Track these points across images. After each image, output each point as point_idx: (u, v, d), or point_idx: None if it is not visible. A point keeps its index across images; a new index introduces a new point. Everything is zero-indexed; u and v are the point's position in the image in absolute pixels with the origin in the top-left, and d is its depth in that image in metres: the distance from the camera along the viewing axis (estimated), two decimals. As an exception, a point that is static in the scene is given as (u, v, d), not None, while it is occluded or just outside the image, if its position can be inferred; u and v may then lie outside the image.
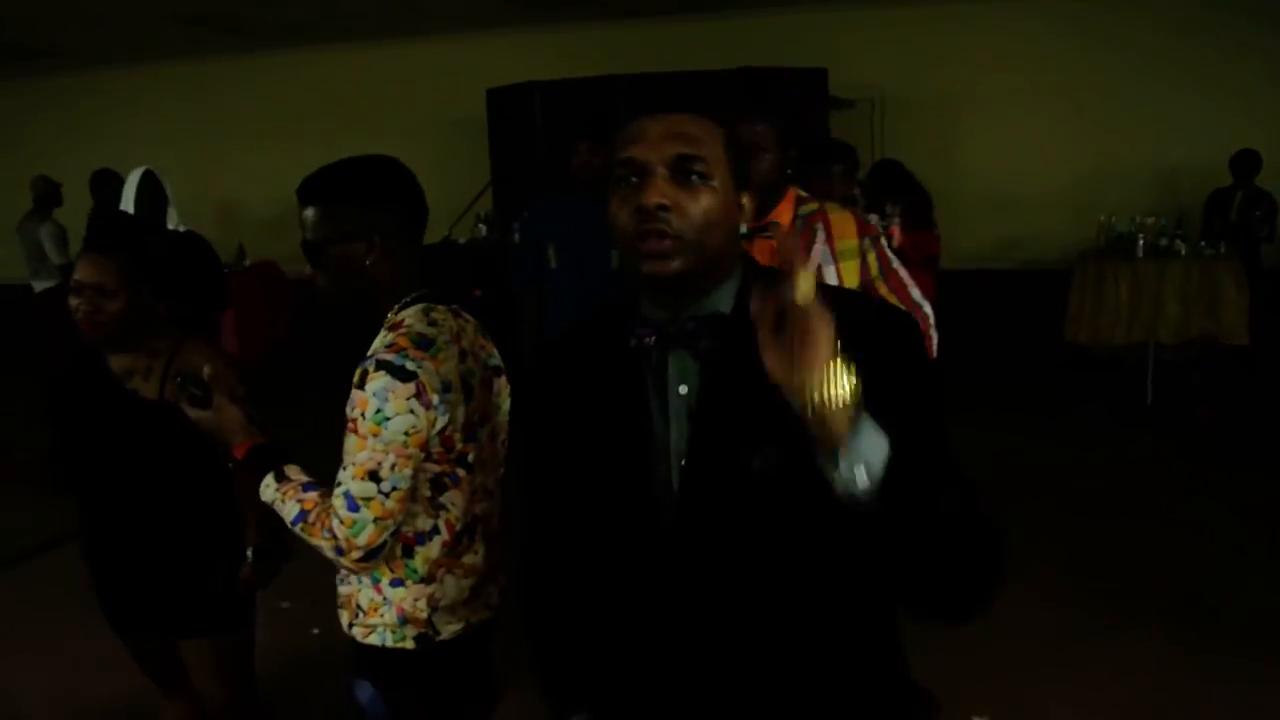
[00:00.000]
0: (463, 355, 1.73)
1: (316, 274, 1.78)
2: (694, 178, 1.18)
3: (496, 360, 1.88)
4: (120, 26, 7.91)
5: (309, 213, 1.75)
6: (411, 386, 1.60)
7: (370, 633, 1.78)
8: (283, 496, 1.71)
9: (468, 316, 1.86)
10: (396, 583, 1.74)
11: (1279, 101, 7.63)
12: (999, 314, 7.37)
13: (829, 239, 2.39)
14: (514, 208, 6.16)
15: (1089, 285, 6.55)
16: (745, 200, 1.24)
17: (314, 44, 8.74)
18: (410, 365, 1.61)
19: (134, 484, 2.28)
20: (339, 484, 1.63)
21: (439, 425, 1.66)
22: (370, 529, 1.62)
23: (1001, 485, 4.84)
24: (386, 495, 1.63)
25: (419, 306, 1.75)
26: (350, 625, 1.81)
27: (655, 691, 1.30)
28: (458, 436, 1.71)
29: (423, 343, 1.66)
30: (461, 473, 1.75)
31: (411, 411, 1.61)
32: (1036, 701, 3.18)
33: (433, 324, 1.71)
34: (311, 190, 1.76)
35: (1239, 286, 6.27)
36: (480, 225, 7.41)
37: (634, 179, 1.19)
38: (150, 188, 4.97)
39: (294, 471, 1.77)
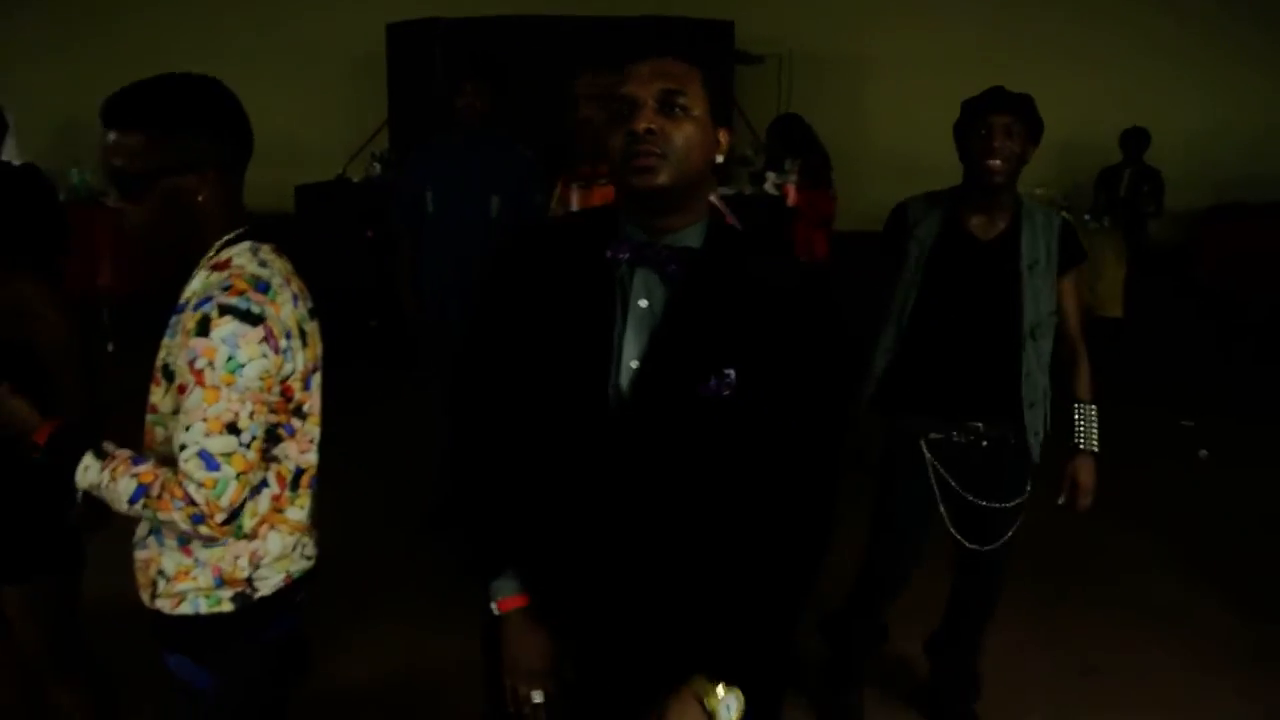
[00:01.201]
0: (294, 299, 1.65)
1: (131, 209, 1.59)
2: (677, 110, 1.39)
3: (312, 304, 1.78)
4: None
5: (131, 139, 1.55)
6: (260, 330, 1.51)
7: (180, 601, 1.64)
8: (112, 474, 1.54)
9: (286, 257, 1.74)
10: (212, 542, 1.60)
11: (1169, 80, 7.82)
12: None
13: None
14: (410, 147, 6.02)
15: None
16: (722, 135, 1.46)
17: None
18: (255, 309, 1.51)
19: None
20: (184, 445, 1.49)
21: (284, 372, 1.58)
22: (233, 485, 1.51)
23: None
24: (247, 447, 1.52)
25: (245, 245, 1.63)
26: (154, 596, 1.66)
27: (572, 567, 1.49)
28: (297, 385, 1.64)
29: (260, 285, 1.55)
30: (297, 423, 1.67)
31: (264, 355, 1.52)
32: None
33: (263, 264, 1.61)
34: (135, 112, 1.55)
35: (1117, 260, 6.47)
36: (375, 164, 7.21)
37: (626, 111, 1.40)
38: None
39: (112, 446, 1.60)
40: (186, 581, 1.63)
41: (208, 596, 1.63)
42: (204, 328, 1.49)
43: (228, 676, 1.69)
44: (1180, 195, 7.30)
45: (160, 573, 1.64)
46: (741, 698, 1.45)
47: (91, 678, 2.41)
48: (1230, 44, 7.79)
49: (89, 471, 1.56)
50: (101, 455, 1.57)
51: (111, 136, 1.57)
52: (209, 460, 1.49)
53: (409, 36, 7.16)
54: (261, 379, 1.53)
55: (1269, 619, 3.57)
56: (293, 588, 1.71)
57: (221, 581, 1.63)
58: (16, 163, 3.49)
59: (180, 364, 1.52)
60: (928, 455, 2.59)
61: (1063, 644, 3.41)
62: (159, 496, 1.50)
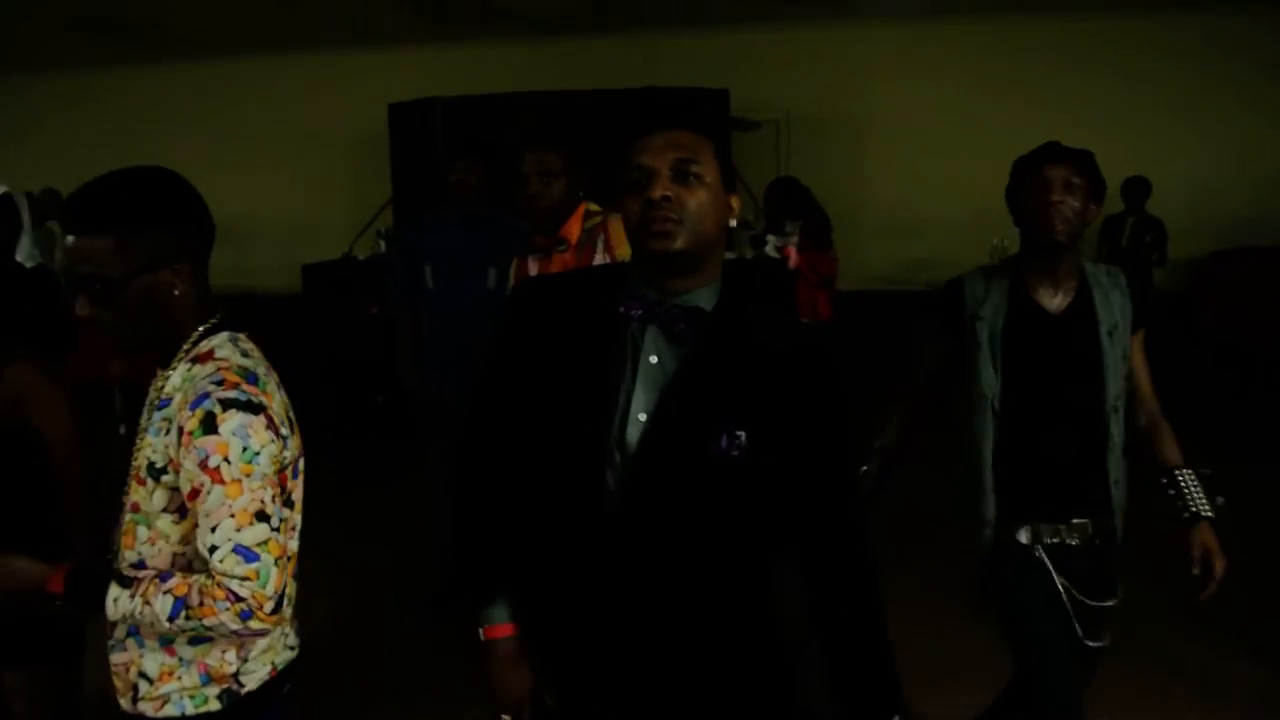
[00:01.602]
0: (278, 388, 1.64)
1: (104, 314, 1.54)
2: (691, 178, 1.45)
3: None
4: (4, 30, 7.67)
5: (98, 243, 1.50)
6: (263, 417, 1.51)
7: (164, 704, 1.58)
8: (144, 599, 1.47)
9: (258, 344, 1.71)
10: (198, 639, 1.56)
11: (1169, 129, 7.86)
12: (900, 335, 7.45)
13: (608, 247, 2.54)
14: (414, 222, 6.08)
15: (981, 306, 6.64)
16: (733, 201, 1.53)
17: (213, 55, 8.53)
18: (254, 399, 1.50)
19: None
20: (215, 546, 1.45)
21: (283, 459, 1.57)
22: (274, 572, 1.47)
23: (891, 508, 4.95)
24: (277, 530, 1.50)
25: (224, 335, 1.61)
26: (135, 700, 1.60)
27: (575, 625, 1.51)
28: (288, 473, 1.62)
29: (249, 376, 1.54)
30: (286, 511, 1.64)
31: (272, 441, 1.51)
32: None
33: (245, 355, 1.60)
34: (98, 216, 1.50)
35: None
36: (380, 241, 7.31)
37: (643, 180, 1.45)
38: (4, 212, 4.73)
39: (130, 570, 1.56)
40: (171, 682, 1.58)
41: (193, 696, 1.58)
42: (210, 425, 1.46)
43: None
44: (1183, 243, 7.30)
45: (142, 674, 1.59)
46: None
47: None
48: (1229, 90, 7.84)
49: (119, 603, 1.49)
50: (126, 581, 1.51)
51: (76, 241, 1.52)
52: (246, 553, 1.46)
53: (410, 116, 7.29)
54: (272, 464, 1.52)
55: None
56: (278, 680, 1.66)
57: (208, 679, 1.59)
58: (28, 239, 3.52)
59: (187, 466, 1.48)
60: (1048, 563, 2.35)
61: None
62: (200, 604, 1.45)
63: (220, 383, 1.49)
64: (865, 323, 6.69)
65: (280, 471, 1.55)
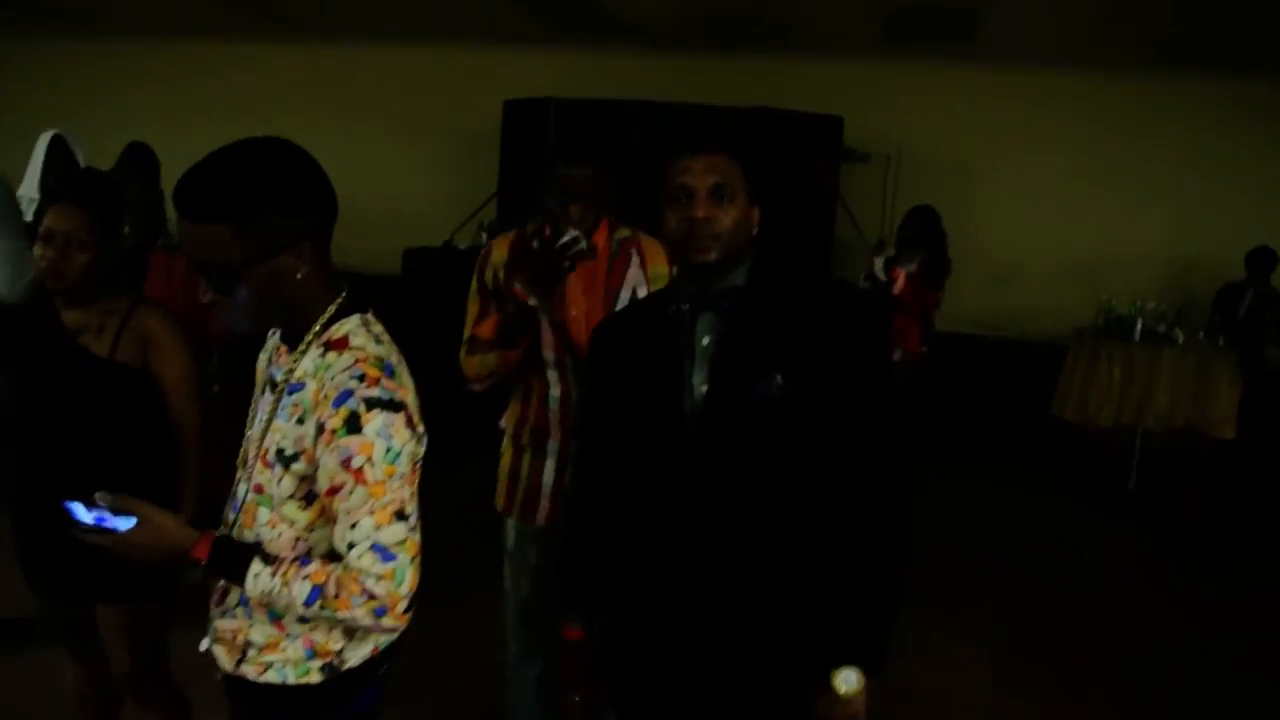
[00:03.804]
0: (408, 371, 1.61)
1: (224, 299, 1.49)
2: (725, 199, 1.70)
3: None
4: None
5: (216, 231, 1.42)
6: (403, 415, 1.49)
7: (266, 670, 1.60)
8: (283, 579, 1.48)
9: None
10: (306, 618, 1.56)
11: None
12: (991, 383, 7.33)
13: (642, 263, 2.60)
14: (518, 218, 6.14)
15: (1082, 362, 6.52)
16: (755, 212, 1.77)
17: (343, 38, 8.73)
18: (396, 397, 1.48)
19: (73, 441, 2.24)
20: (354, 543, 1.45)
21: (419, 454, 1.56)
22: (410, 572, 1.47)
23: (966, 560, 4.88)
24: (414, 529, 1.50)
25: (355, 319, 1.57)
26: (238, 663, 1.62)
27: (664, 572, 1.73)
28: (419, 464, 1.61)
29: (387, 368, 1.50)
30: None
31: (411, 439, 1.50)
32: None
33: (379, 341, 1.55)
34: (211, 202, 1.42)
35: (1232, 382, 6.23)
36: (481, 233, 7.40)
37: (684, 198, 1.69)
38: (59, 152, 4.89)
39: (278, 552, 1.55)
40: (275, 653, 1.59)
41: (296, 667, 1.59)
42: (354, 425, 1.44)
43: None
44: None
45: (249, 643, 1.61)
46: (860, 672, 1.65)
47: (172, 704, 2.43)
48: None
49: (259, 579, 1.49)
50: (266, 559, 1.51)
51: (192, 229, 1.45)
52: (384, 552, 1.45)
53: (524, 114, 7.37)
54: (410, 462, 1.51)
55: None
56: (378, 659, 1.66)
57: (313, 653, 1.59)
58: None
59: (328, 464, 1.46)
60: None
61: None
62: (336, 596, 1.46)
63: (362, 378, 1.46)
64: (953, 365, 6.58)
65: (414, 467, 1.55)
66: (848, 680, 1.64)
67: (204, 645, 1.69)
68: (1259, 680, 3.94)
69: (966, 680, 3.71)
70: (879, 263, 6.14)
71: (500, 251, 2.62)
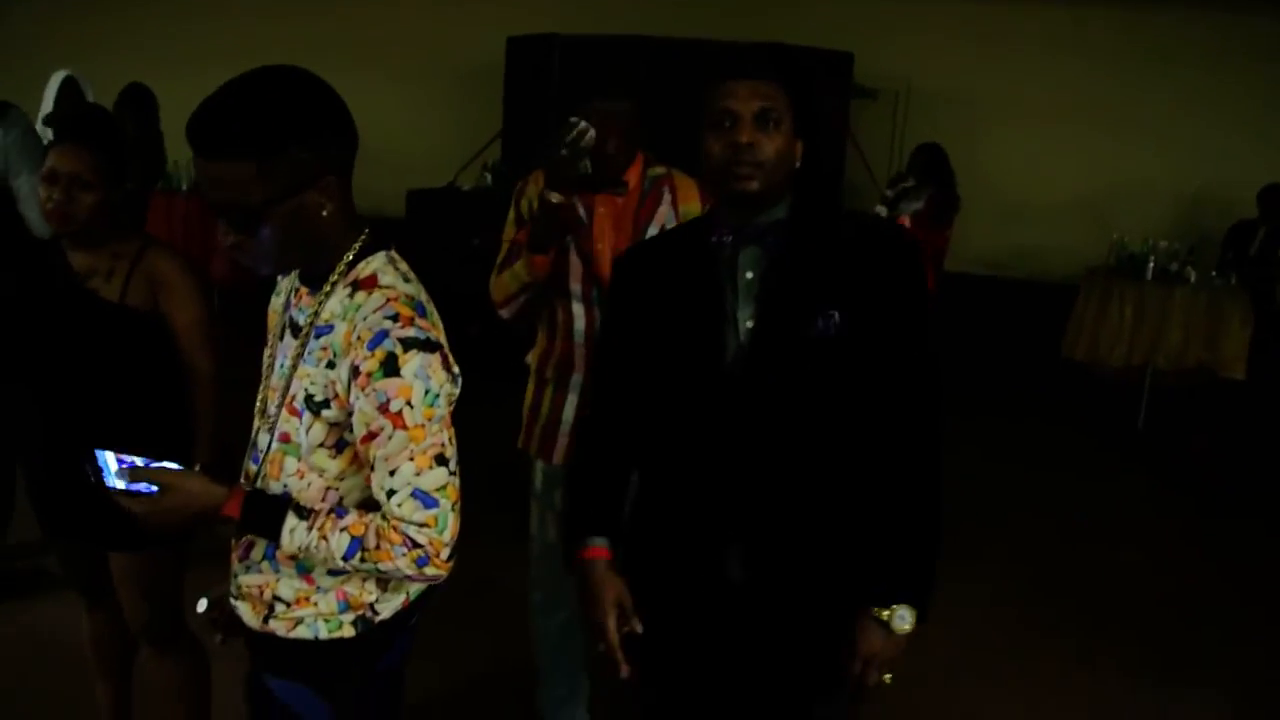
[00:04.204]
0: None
1: (249, 241, 1.41)
2: (770, 124, 1.59)
3: None
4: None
5: (237, 170, 1.34)
6: (439, 355, 1.42)
7: (296, 625, 1.53)
8: (320, 533, 1.42)
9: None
10: (337, 570, 1.51)
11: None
12: (1001, 322, 7.29)
13: (674, 201, 2.55)
14: (523, 159, 6.05)
15: (1093, 302, 6.47)
16: (799, 145, 1.65)
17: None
18: (431, 336, 1.41)
19: (85, 386, 2.20)
20: (394, 489, 1.40)
21: (454, 397, 1.50)
22: (452, 518, 1.42)
23: (980, 499, 4.89)
24: (454, 474, 1.44)
25: (381, 257, 1.50)
26: (266, 619, 1.55)
27: (702, 528, 1.68)
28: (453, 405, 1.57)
29: (419, 308, 1.43)
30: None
31: (447, 380, 1.44)
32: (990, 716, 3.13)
33: (406, 279, 1.49)
34: (231, 138, 1.33)
35: (1243, 321, 6.19)
36: (486, 174, 7.30)
37: (728, 123, 1.59)
38: (70, 93, 4.82)
39: (308, 503, 1.49)
40: (306, 607, 1.53)
41: (328, 621, 1.53)
42: (392, 367, 1.37)
43: (347, 704, 1.59)
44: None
45: (276, 598, 1.55)
46: (913, 609, 1.64)
47: (189, 652, 2.42)
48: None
49: (295, 534, 1.43)
50: (301, 513, 1.44)
51: (211, 168, 1.36)
52: (425, 498, 1.40)
53: (527, 50, 7.23)
54: (448, 404, 1.46)
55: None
56: (410, 610, 1.61)
57: (346, 606, 1.53)
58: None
59: (364, 408, 1.40)
60: None
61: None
62: (377, 547, 1.40)
63: (395, 318, 1.39)
64: (964, 306, 6.53)
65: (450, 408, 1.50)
66: (903, 618, 1.63)
67: (201, 606, 1.64)
68: (1269, 610, 3.98)
69: (994, 614, 3.74)
70: (883, 210, 6.06)
71: (536, 184, 2.56)
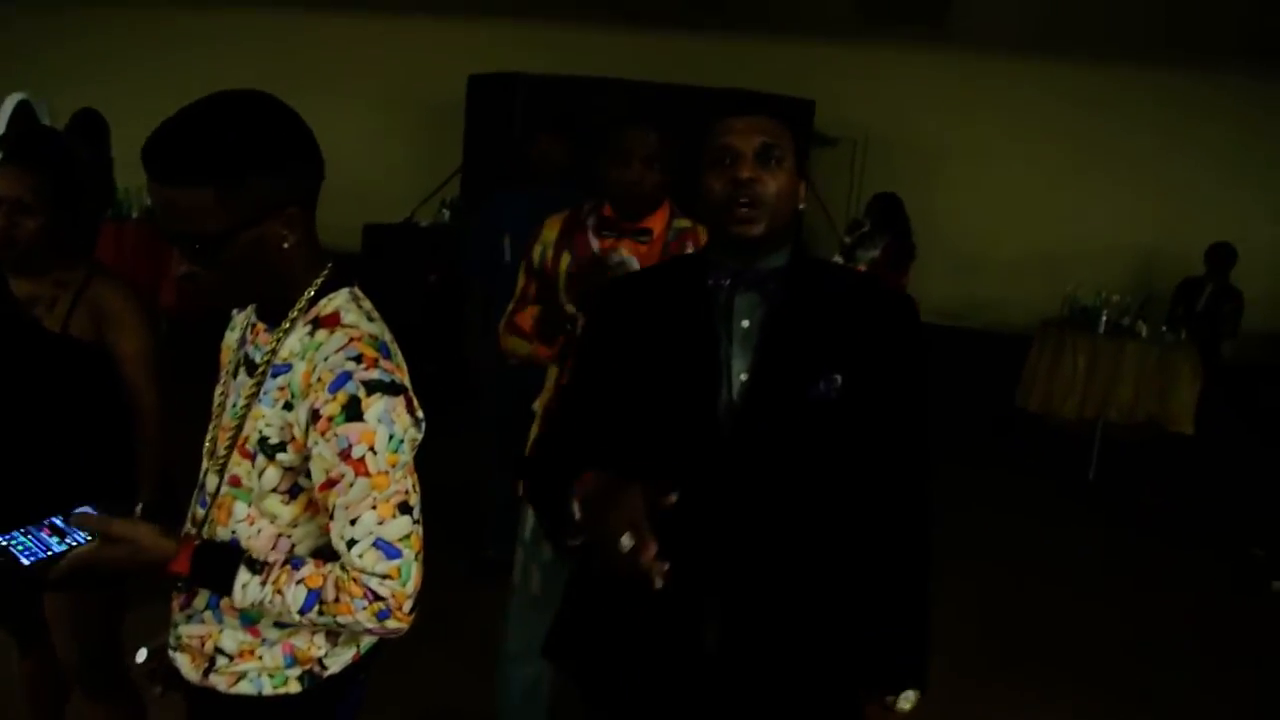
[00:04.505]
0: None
1: (207, 274, 1.33)
2: (773, 161, 1.53)
3: None
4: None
5: (193, 197, 1.26)
6: (403, 399, 1.35)
7: (239, 680, 1.45)
8: (275, 587, 1.34)
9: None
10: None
11: (1263, 201, 7.68)
12: (958, 371, 7.32)
13: None
14: (482, 195, 6.02)
15: (1047, 353, 6.55)
16: (801, 188, 1.60)
17: (305, 7, 8.54)
18: (395, 379, 1.34)
19: (24, 420, 2.11)
20: (355, 539, 1.32)
21: (418, 442, 1.43)
22: (415, 569, 1.35)
23: (936, 544, 4.84)
24: (418, 522, 1.37)
25: (344, 293, 1.43)
26: (207, 672, 1.46)
27: (691, 579, 1.50)
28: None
29: (383, 349, 1.36)
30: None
31: (412, 424, 1.37)
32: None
33: (370, 318, 1.41)
34: (191, 164, 1.26)
35: (1193, 376, 6.28)
36: (444, 210, 7.25)
37: (728, 160, 1.53)
38: (24, 116, 4.74)
39: (258, 552, 1.41)
40: (251, 661, 1.45)
41: (273, 676, 1.45)
42: (354, 411, 1.30)
43: None
44: (1258, 316, 7.11)
45: (219, 650, 1.46)
46: (915, 690, 1.62)
47: (125, 701, 2.31)
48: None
49: (248, 590, 1.34)
50: (253, 566, 1.36)
51: (167, 193, 1.28)
52: (388, 549, 1.33)
53: (490, 89, 7.22)
54: (412, 450, 1.39)
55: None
56: (360, 664, 1.53)
57: (293, 660, 1.45)
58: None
59: (324, 454, 1.33)
60: None
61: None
62: (336, 600, 1.33)
63: (359, 359, 1.32)
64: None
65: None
66: (908, 698, 1.62)
67: (141, 656, 1.55)
68: (1216, 660, 4.00)
69: (952, 652, 3.69)
70: (839, 257, 6.10)
71: (551, 231, 2.55)
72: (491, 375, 3.92)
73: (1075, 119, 7.98)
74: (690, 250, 2.46)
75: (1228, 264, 6.88)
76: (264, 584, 1.34)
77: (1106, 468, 6.46)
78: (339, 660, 1.49)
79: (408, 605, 1.35)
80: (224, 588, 1.36)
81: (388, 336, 1.42)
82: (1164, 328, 6.56)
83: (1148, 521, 5.74)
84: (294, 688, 1.45)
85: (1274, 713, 3.72)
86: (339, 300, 1.42)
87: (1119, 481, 6.36)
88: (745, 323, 1.57)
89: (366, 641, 1.52)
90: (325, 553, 1.41)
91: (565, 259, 2.51)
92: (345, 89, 8.60)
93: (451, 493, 4.64)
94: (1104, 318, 6.48)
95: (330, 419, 1.31)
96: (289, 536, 1.43)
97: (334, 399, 1.31)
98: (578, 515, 1.44)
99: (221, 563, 1.37)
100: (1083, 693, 3.62)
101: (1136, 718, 3.50)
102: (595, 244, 2.50)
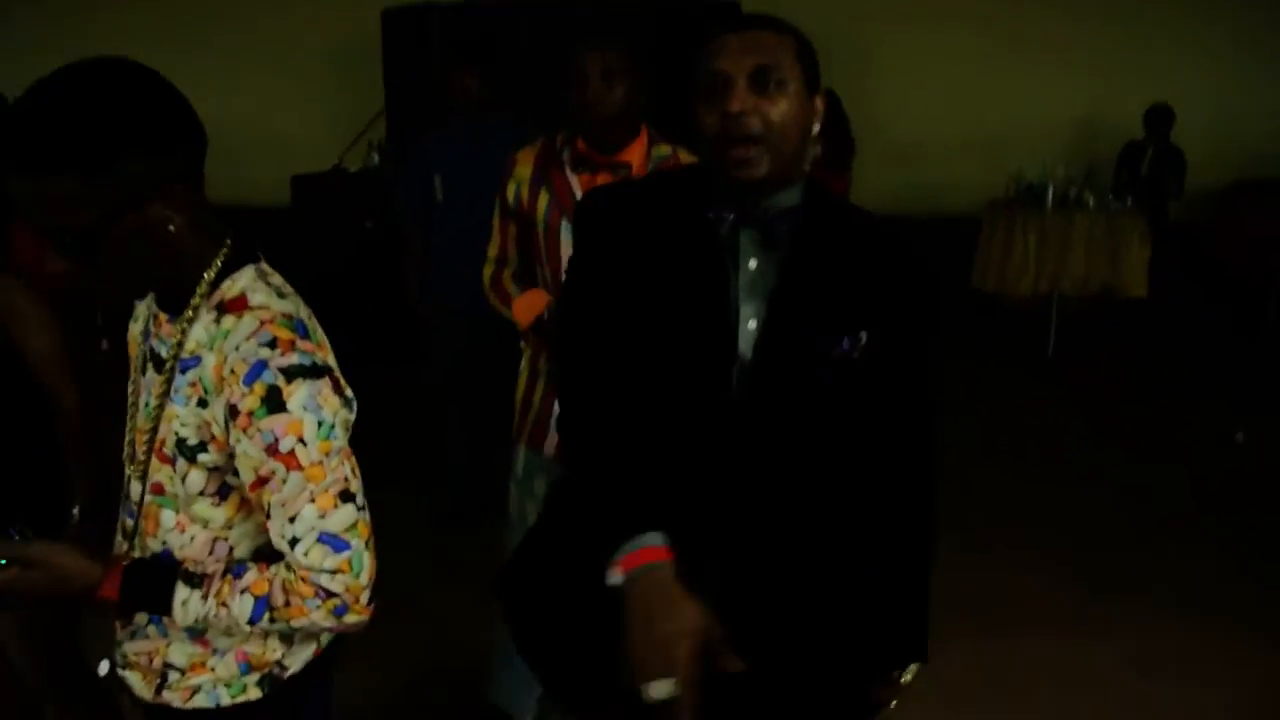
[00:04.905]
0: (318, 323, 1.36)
1: (83, 269, 1.20)
2: (771, 85, 1.31)
3: None
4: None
5: (56, 186, 1.12)
6: (328, 380, 1.25)
7: (194, 694, 1.36)
8: (218, 600, 1.25)
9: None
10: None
11: (1196, 57, 7.62)
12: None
13: None
14: (409, 135, 5.81)
15: (998, 234, 6.55)
16: (817, 101, 1.38)
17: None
18: (316, 359, 1.24)
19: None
20: (297, 537, 1.23)
21: (351, 422, 1.32)
22: (367, 557, 1.26)
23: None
24: (363, 508, 1.27)
25: (250, 271, 1.30)
26: (159, 689, 1.37)
27: (696, 547, 1.32)
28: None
29: (299, 327, 1.25)
30: None
31: (341, 404, 1.27)
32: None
33: (281, 295, 1.30)
34: (52, 148, 1.12)
35: (1142, 241, 6.31)
36: (373, 154, 7.00)
37: (719, 87, 1.31)
38: None
39: (194, 561, 1.31)
40: (204, 674, 1.36)
41: (229, 685, 1.36)
42: (276, 402, 1.20)
43: None
44: (1201, 174, 7.11)
45: (168, 665, 1.37)
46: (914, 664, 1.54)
47: (98, 709, 2.23)
48: (1245, 21, 7.59)
49: (189, 606, 1.25)
50: (191, 580, 1.26)
51: (26, 184, 1.13)
52: (334, 542, 1.24)
53: (404, 23, 6.93)
54: (345, 432, 1.28)
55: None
56: (324, 657, 1.45)
57: (248, 667, 1.36)
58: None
59: (249, 452, 1.22)
60: None
61: (1117, 639, 3.29)
62: (286, 604, 1.24)
63: (273, 344, 1.21)
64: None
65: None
66: (910, 670, 1.56)
67: (103, 669, 1.48)
68: (1178, 530, 4.08)
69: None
70: None
71: (525, 166, 2.38)
72: (438, 328, 3.82)
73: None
74: None
75: (1167, 125, 6.84)
76: (206, 598, 1.25)
77: (1064, 341, 6.50)
78: (299, 658, 1.40)
79: (365, 596, 1.26)
80: (162, 607, 1.26)
81: (304, 312, 1.31)
82: (1110, 196, 6.56)
83: (1108, 390, 5.81)
84: (254, 694, 1.37)
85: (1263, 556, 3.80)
86: (244, 280, 1.29)
87: (1078, 353, 6.41)
88: (753, 263, 1.38)
89: (327, 635, 1.44)
90: (268, 552, 1.32)
91: (543, 198, 2.35)
92: (253, 40, 8.26)
93: (412, 442, 4.59)
94: (1050, 192, 6.47)
95: (250, 414, 1.20)
96: (226, 540, 1.33)
97: (251, 391, 1.20)
98: (616, 583, 1.26)
99: (155, 581, 1.26)
100: (1051, 561, 3.73)
101: (1103, 579, 3.64)
102: (573, 180, 2.35)
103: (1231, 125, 7.57)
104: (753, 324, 1.37)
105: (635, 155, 2.29)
